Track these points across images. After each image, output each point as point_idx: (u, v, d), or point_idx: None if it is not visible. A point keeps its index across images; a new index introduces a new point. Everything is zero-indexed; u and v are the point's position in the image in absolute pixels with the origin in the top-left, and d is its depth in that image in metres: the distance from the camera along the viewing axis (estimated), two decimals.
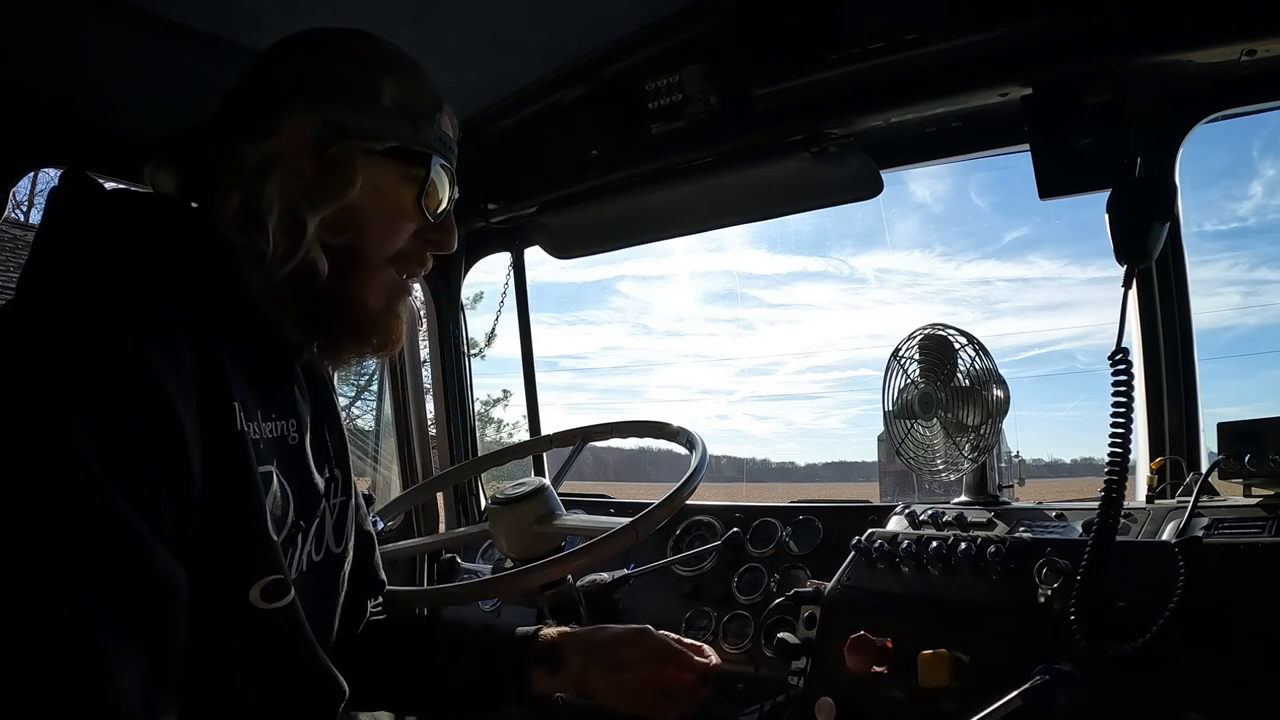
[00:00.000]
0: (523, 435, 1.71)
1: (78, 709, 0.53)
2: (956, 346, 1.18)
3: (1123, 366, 0.93)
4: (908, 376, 1.23)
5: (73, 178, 0.74)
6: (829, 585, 1.11)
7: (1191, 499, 0.94)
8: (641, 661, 0.97)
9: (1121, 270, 0.99)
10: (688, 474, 1.23)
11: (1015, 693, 0.81)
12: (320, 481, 0.84)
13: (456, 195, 0.84)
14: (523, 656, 0.97)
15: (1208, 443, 1.20)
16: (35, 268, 0.71)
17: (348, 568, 0.91)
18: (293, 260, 0.73)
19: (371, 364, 2.31)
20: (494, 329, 2.05)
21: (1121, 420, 0.92)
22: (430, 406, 2.00)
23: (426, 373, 2.00)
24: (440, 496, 1.94)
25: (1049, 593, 0.92)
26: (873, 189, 1.36)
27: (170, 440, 0.61)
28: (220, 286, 0.73)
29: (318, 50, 0.78)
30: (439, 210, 0.82)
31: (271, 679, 0.74)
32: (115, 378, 0.59)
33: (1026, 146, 1.13)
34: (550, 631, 1.00)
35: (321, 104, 0.75)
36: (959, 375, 1.18)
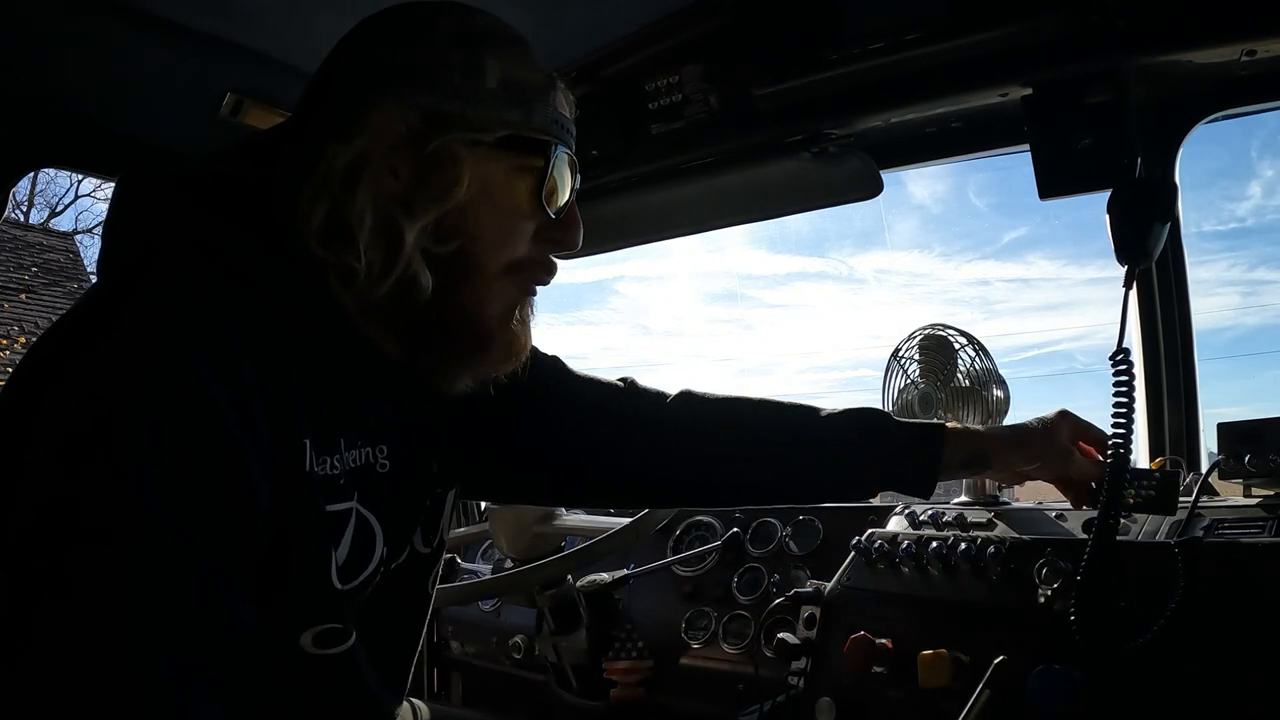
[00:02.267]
0: None
1: None
2: (956, 347, 1.18)
3: (1123, 367, 0.93)
4: (908, 376, 1.23)
5: (143, 172, 0.68)
6: (829, 585, 1.11)
7: (1191, 499, 0.94)
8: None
9: (1121, 270, 0.99)
10: None
11: (980, 686, 0.82)
12: (412, 508, 0.78)
13: (579, 184, 0.73)
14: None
15: (1208, 443, 1.20)
16: (105, 270, 0.65)
17: (438, 568, 0.84)
18: (390, 277, 0.64)
19: None
20: None
21: (1122, 420, 0.92)
22: None
23: None
24: None
25: (1049, 593, 0.92)
26: (873, 189, 1.36)
27: (239, 487, 0.56)
28: (305, 306, 0.64)
29: (405, 28, 0.67)
30: (561, 204, 0.71)
31: (316, 715, 0.70)
32: (182, 424, 0.54)
33: (1026, 146, 1.13)
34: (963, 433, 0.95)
35: (415, 91, 0.64)
36: (959, 375, 1.18)
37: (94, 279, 0.66)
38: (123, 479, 0.51)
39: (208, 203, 0.65)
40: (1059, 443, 0.95)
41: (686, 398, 0.96)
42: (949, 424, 0.96)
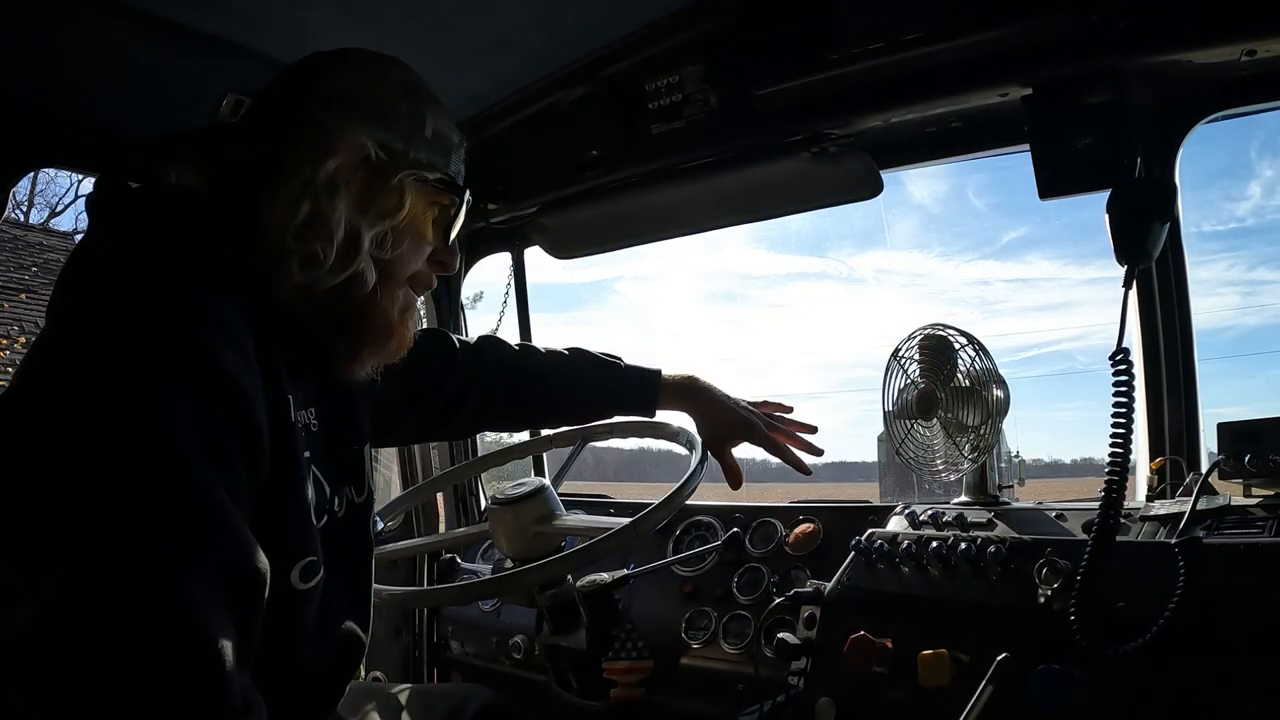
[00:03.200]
0: (523, 435, 1.71)
1: (198, 697, 0.56)
2: (956, 346, 1.18)
3: (1123, 367, 0.93)
4: (908, 376, 1.23)
5: (110, 185, 0.78)
6: (829, 585, 1.11)
7: (1191, 499, 0.94)
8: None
9: (1121, 270, 0.99)
10: (688, 474, 1.23)
11: (983, 683, 0.82)
12: (340, 462, 0.90)
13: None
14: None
15: (1208, 443, 1.20)
16: (80, 278, 0.70)
17: (374, 513, 0.97)
18: (346, 271, 0.79)
19: None
20: (495, 329, 2.05)
21: (1122, 420, 0.92)
22: None
23: None
24: (440, 496, 1.93)
25: (1049, 593, 0.92)
26: (873, 189, 1.36)
27: (249, 432, 0.66)
28: (257, 287, 0.76)
29: (364, 71, 0.82)
30: (454, 236, 0.89)
31: (299, 650, 0.79)
32: (199, 375, 0.63)
33: (1026, 146, 1.13)
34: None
35: (373, 125, 0.80)
36: (959, 375, 1.18)
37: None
38: (160, 427, 0.60)
39: (183, 210, 0.76)
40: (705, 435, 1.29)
41: (499, 356, 1.28)
42: (665, 375, 1.34)
